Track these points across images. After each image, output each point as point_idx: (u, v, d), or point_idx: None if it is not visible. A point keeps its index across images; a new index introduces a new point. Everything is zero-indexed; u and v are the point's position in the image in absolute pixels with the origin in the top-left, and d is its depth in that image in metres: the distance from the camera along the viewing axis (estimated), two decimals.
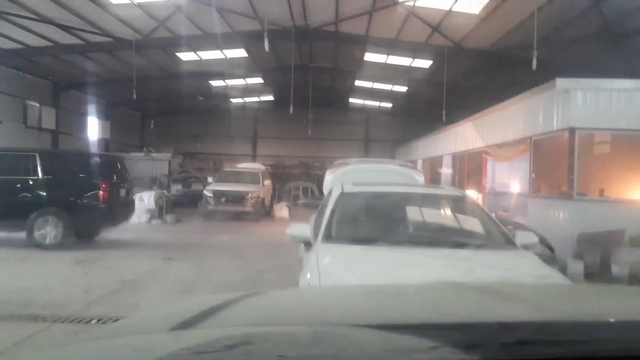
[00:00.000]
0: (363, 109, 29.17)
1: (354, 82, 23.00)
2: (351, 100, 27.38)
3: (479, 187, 14.40)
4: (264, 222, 16.59)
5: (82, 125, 23.33)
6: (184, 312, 1.19)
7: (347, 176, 7.22)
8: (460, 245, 4.20)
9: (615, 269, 7.76)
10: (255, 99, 27.79)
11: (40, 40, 15.33)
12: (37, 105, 19.01)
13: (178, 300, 5.11)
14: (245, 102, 28.24)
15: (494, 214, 12.78)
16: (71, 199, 9.98)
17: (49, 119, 19.54)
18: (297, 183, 25.81)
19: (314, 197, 22.23)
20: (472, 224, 4.72)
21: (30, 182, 9.88)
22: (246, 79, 22.77)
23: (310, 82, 21.97)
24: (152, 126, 26.80)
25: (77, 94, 21.91)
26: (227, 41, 16.52)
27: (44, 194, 9.86)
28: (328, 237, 4.18)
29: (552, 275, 3.51)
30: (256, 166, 21.25)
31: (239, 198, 16.43)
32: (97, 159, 10.94)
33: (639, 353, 0.89)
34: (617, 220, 8.69)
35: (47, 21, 13.75)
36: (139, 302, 6.07)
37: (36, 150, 10.72)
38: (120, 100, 24.53)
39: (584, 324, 1.03)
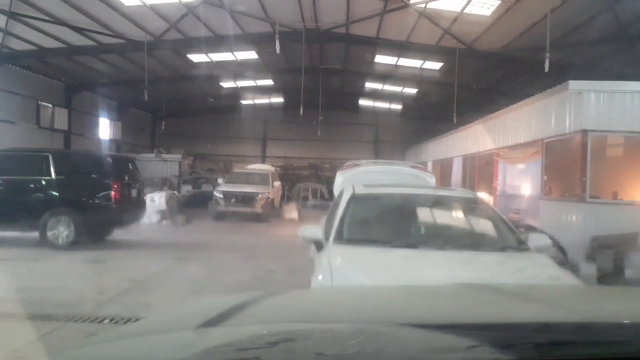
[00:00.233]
0: (373, 111, 29.13)
1: (364, 83, 22.99)
2: (361, 102, 27.36)
3: (490, 189, 14.32)
4: (273, 223, 16.61)
5: (94, 126, 23.54)
6: (207, 311, 1.19)
7: (358, 177, 7.22)
8: (473, 247, 4.17)
9: (628, 272, 7.67)
10: (266, 100, 27.87)
11: (53, 41, 15.49)
12: (50, 106, 19.23)
13: (198, 300, 5.13)
14: (255, 103, 28.33)
15: (505, 216, 12.72)
16: (83, 199, 10.07)
17: (61, 120, 19.75)
18: (306, 184, 25.82)
19: (323, 198, 22.25)
20: (485, 226, 4.69)
21: (43, 183, 9.97)
22: (256, 81, 22.85)
23: (320, 84, 22.00)
24: (162, 127, 26.90)
25: (89, 95, 22.13)
26: (238, 43, 16.60)
27: (57, 194, 9.95)
28: (340, 238, 4.18)
29: (566, 278, 3.48)
30: (266, 167, 21.31)
31: (248, 199, 16.47)
32: (108, 160, 11.04)
33: None
34: (630, 223, 8.59)
35: (60, 23, 13.90)
36: (151, 302, 6.11)
37: (49, 150, 10.82)
38: (131, 101, 24.72)
39: (619, 325, 1.02)
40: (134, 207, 11.13)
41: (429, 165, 21.33)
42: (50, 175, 9.89)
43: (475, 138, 15.63)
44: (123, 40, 15.58)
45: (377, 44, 16.47)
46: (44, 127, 18.87)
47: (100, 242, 10.82)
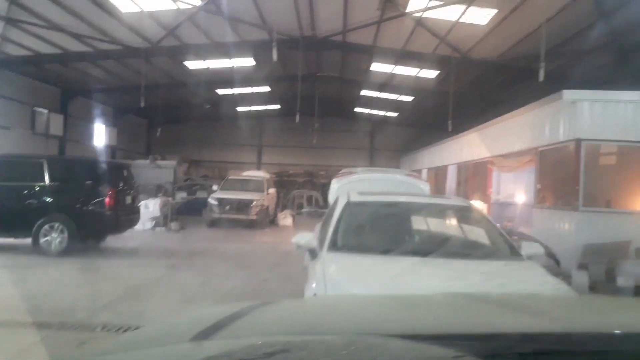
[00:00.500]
0: (369, 118, 29.21)
1: (360, 91, 23.07)
2: (357, 109, 27.44)
3: (484, 197, 14.37)
4: (268, 230, 16.61)
5: (89, 132, 23.47)
6: (202, 321, 1.20)
7: (353, 185, 7.24)
8: (466, 255, 4.21)
9: (620, 281, 7.70)
10: (262, 107, 27.90)
11: (50, 47, 15.49)
12: (45, 112, 19.17)
13: (193, 310, 5.12)
14: (251, 110, 28.36)
15: (499, 225, 12.77)
16: (77, 205, 10.03)
17: (56, 126, 19.69)
18: (301, 191, 25.84)
19: (318, 205, 22.26)
20: (478, 234, 4.72)
21: (37, 189, 9.94)
22: (253, 88, 22.89)
23: (317, 91, 22.07)
24: (158, 134, 26.90)
25: (85, 101, 22.08)
26: (235, 50, 16.63)
27: (51, 200, 9.92)
28: (334, 246, 4.19)
29: (558, 287, 3.50)
30: (261, 174, 21.29)
31: (243, 206, 16.46)
32: (103, 166, 11.01)
33: None
34: (623, 231, 8.65)
35: (57, 29, 13.91)
36: (144, 310, 6.09)
37: (44, 157, 10.80)
38: (127, 107, 24.69)
39: (601, 335, 1.04)
40: (128, 213, 11.11)
41: (424, 173, 21.39)
42: (44, 181, 9.85)
43: (469, 146, 15.70)
44: (120, 47, 15.60)
45: (374, 52, 16.55)
46: (39, 132, 18.79)
47: (94, 248, 10.78)
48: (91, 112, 22.85)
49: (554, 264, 7.69)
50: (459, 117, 17.63)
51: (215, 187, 18.11)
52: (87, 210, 10.03)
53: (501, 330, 1.07)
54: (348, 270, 3.80)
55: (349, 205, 4.79)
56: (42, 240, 9.67)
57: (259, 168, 28.96)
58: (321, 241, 4.43)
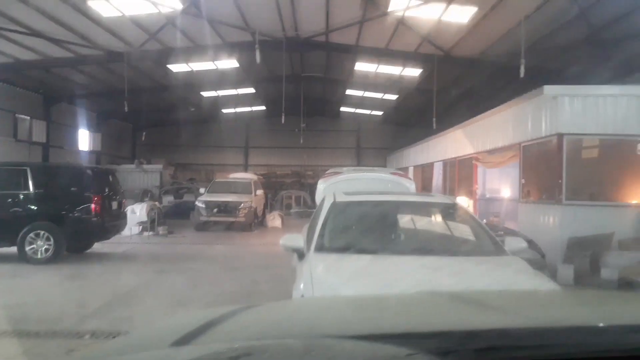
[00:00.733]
0: (354, 117, 29.32)
1: (345, 91, 23.14)
2: (342, 108, 27.54)
3: (470, 193, 14.52)
4: (257, 232, 16.60)
5: (73, 138, 23.26)
6: (182, 327, 1.24)
7: (339, 185, 7.28)
8: (451, 252, 4.28)
9: (604, 273, 7.85)
10: (247, 108, 27.85)
11: (30, 53, 15.33)
12: (28, 118, 18.96)
13: (175, 315, 5.13)
14: (237, 112, 28.30)
15: (485, 220, 12.92)
16: (63, 212, 9.94)
17: (39, 132, 19.49)
18: (289, 192, 25.86)
19: (307, 205, 22.29)
20: (463, 231, 4.79)
21: (22, 197, 9.84)
22: (238, 89, 22.84)
23: (302, 92, 22.10)
24: (143, 138, 26.74)
25: (68, 107, 21.86)
26: (219, 52, 16.61)
27: (36, 208, 9.84)
28: (321, 247, 4.23)
29: (540, 281, 3.58)
30: (248, 176, 21.27)
31: (231, 208, 16.42)
32: (88, 172, 10.92)
33: (596, 355, 0.96)
34: (606, 224, 8.82)
35: (37, 35, 13.76)
36: (133, 316, 6.07)
37: (27, 164, 10.69)
38: (111, 112, 24.49)
39: (543, 329, 1.08)
40: (115, 219, 11.04)
41: (411, 171, 21.53)
42: (28, 189, 9.76)
43: (454, 143, 15.84)
44: (102, 52, 15.48)
45: (357, 51, 16.63)
46: (21, 139, 18.59)
47: (81, 255, 10.70)
48: (74, 118, 22.65)
49: (539, 257, 7.81)
50: (444, 115, 17.79)
51: (202, 190, 18.04)
52: (73, 217, 9.95)
53: (454, 327, 1.12)
54: (335, 271, 3.84)
55: (334, 205, 4.83)
56: (27, 248, 9.57)
57: (246, 170, 28.93)
58: (308, 242, 4.46)
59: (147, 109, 22.93)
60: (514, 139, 11.18)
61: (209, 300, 6.90)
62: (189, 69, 18.37)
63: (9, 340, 5.12)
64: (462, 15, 12.72)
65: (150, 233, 14.68)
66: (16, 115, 18.42)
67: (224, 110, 27.63)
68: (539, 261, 7.50)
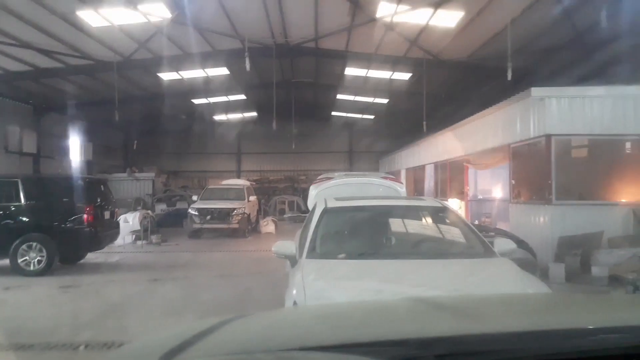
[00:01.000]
0: (346, 122, 29.40)
1: (335, 95, 23.23)
2: (334, 113, 27.61)
3: (461, 195, 14.62)
4: (250, 238, 16.59)
5: (64, 148, 23.11)
6: (173, 340, 1.27)
7: (331, 191, 7.33)
8: (442, 255, 4.36)
9: (595, 271, 7.95)
10: (239, 115, 27.87)
11: (20, 64, 15.29)
12: (18, 129, 18.85)
13: (166, 328, 5.15)
14: (228, 119, 28.30)
15: (476, 221, 13.00)
16: (55, 223, 9.90)
17: (30, 143, 19.37)
18: (282, 197, 25.89)
19: (300, 210, 22.31)
20: (453, 234, 4.85)
21: (13, 209, 9.80)
22: (229, 96, 22.87)
23: (293, 97, 22.17)
24: (135, 146, 26.65)
25: (58, 117, 21.75)
26: (209, 60, 16.65)
27: (27, 219, 9.80)
28: (312, 253, 4.27)
29: (527, 281, 3.63)
30: (241, 182, 21.25)
31: (224, 215, 16.42)
32: (80, 182, 10.89)
33: (561, 357, 1.01)
34: (595, 222, 8.93)
35: (26, 46, 13.74)
36: (127, 326, 6.07)
37: (18, 175, 10.64)
38: (102, 121, 24.37)
39: (508, 334, 1.13)
40: (108, 229, 11.01)
41: (402, 174, 21.63)
42: (20, 201, 9.72)
43: (445, 145, 15.95)
44: (92, 61, 15.47)
45: (347, 56, 16.73)
46: (12, 151, 18.47)
47: (74, 266, 10.66)
48: (65, 128, 22.51)
49: (530, 257, 7.89)
50: (434, 117, 17.90)
51: (195, 198, 18.02)
52: (66, 228, 9.92)
53: (423, 334, 1.16)
54: (326, 276, 3.88)
55: (326, 211, 4.88)
56: (20, 260, 9.52)
57: (238, 176, 28.90)
58: (300, 248, 4.50)
59: (138, 117, 22.89)
60: (504, 140, 11.29)
61: (203, 309, 6.91)
62: (180, 77, 18.38)
63: (3, 354, 5.11)
64: (450, 20, 12.85)
65: (144, 242, 14.64)
66: (6, 126, 18.30)
67: (216, 117, 27.63)
68: (531, 261, 7.58)
